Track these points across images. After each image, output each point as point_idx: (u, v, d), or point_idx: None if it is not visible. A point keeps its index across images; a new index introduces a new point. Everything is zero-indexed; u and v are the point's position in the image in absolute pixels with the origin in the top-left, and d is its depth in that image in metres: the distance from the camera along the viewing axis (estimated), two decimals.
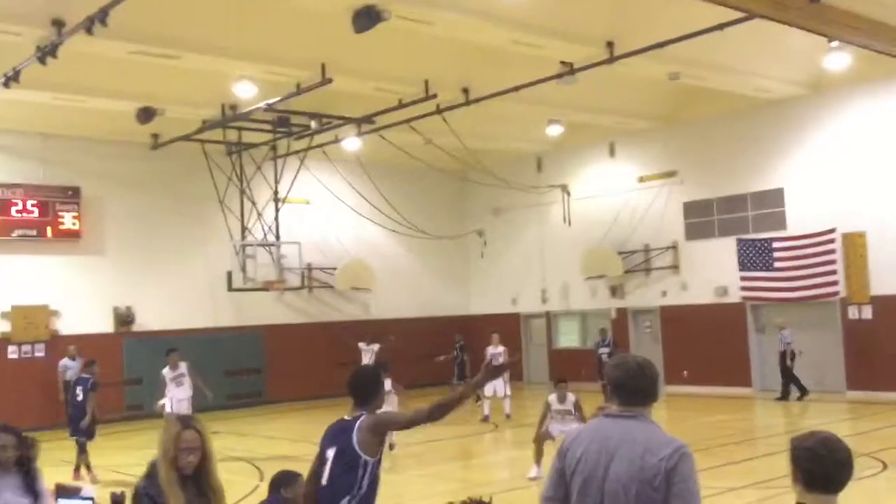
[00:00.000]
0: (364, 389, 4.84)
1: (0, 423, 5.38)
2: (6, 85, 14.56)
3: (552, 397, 11.62)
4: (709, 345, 20.51)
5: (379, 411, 4.88)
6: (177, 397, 14.95)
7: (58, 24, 12.74)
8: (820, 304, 19.08)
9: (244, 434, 17.34)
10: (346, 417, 4.79)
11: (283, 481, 5.76)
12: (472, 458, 15.05)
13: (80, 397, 12.97)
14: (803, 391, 18.64)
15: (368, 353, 20.11)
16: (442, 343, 22.56)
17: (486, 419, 17.33)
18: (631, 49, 15.01)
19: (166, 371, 15.19)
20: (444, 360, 20.94)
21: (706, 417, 16.88)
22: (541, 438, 11.40)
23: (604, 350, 19.54)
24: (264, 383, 22.34)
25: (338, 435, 4.70)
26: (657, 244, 22.04)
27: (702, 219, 21.37)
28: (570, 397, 11.53)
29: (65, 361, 18.83)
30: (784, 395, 18.76)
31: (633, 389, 3.50)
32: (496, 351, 18.44)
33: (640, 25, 14.71)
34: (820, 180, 19.14)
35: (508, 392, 17.42)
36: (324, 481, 4.63)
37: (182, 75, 16.03)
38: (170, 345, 16.28)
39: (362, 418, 4.70)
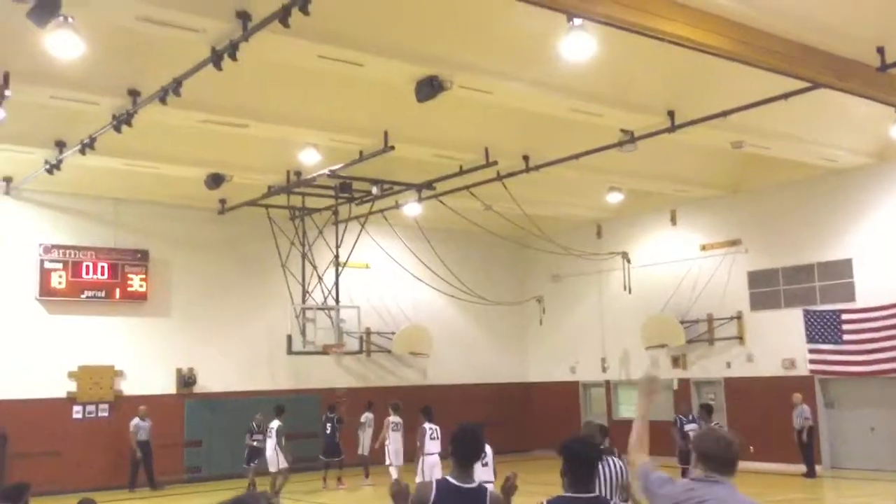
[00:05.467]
0: (479, 448, 4.73)
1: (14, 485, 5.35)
2: (83, 152, 15.14)
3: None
4: (776, 419, 19.81)
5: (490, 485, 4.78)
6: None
7: (133, 93, 13.28)
8: (893, 380, 18.37)
9: (298, 501, 17.23)
10: (453, 481, 4.53)
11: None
12: None
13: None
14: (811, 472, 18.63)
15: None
16: (499, 409, 22.30)
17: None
18: (692, 118, 14.94)
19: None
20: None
21: (776, 496, 16.22)
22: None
23: (690, 427, 16.69)
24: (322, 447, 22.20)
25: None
26: (721, 314, 21.57)
27: (767, 289, 20.88)
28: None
29: (136, 421, 19.13)
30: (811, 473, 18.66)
31: (721, 460, 3.91)
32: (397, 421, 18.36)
33: (701, 94, 14.64)
34: (889, 251, 18.62)
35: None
36: None
37: (250, 143, 16.51)
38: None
39: (492, 492, 4.60)
